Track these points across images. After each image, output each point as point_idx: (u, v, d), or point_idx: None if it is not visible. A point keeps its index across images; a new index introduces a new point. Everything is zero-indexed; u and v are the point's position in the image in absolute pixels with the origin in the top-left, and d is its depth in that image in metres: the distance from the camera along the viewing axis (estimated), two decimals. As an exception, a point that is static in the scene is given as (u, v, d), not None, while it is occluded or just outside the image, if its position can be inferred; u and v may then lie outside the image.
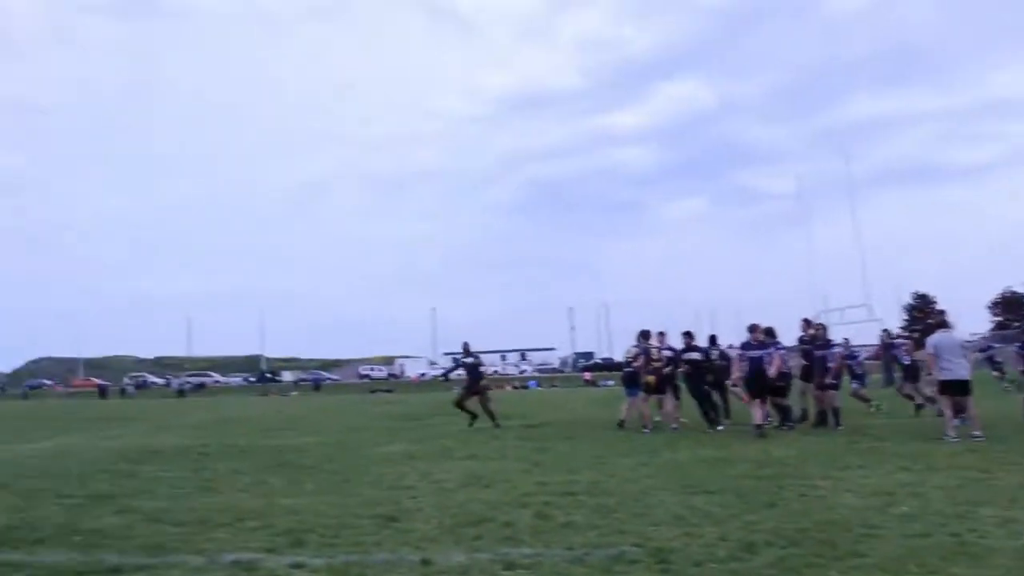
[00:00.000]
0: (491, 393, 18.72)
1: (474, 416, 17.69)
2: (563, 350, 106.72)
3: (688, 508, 7.41)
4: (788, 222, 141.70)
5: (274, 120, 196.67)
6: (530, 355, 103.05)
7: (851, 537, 6.08)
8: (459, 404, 17.91)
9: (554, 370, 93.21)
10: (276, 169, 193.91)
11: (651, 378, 15.53)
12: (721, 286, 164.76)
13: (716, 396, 16.53)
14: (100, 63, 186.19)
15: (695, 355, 15.93)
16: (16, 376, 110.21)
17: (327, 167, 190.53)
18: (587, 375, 69.77)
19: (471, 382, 17.95)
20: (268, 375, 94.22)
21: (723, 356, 17.24)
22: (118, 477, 10.59)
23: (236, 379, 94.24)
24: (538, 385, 67.48)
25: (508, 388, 67.58)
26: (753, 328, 14.84)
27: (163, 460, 12.59)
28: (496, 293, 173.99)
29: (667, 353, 15.80)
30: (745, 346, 14.74)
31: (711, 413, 15.74)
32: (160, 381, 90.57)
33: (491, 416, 17.58)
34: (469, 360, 18.18)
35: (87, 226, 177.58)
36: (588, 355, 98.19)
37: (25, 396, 72.34)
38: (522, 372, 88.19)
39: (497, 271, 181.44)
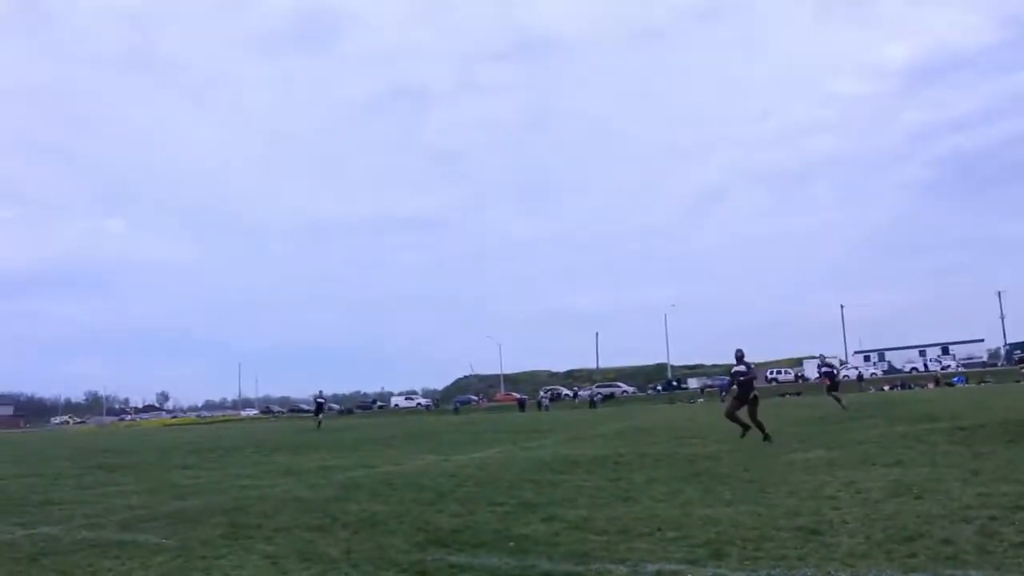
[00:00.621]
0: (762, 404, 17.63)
1: (746, 428, 16.79)
2: (992, 341, 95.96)
3: None
4: None
5: (666, 131, 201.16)
6: (953, 348, 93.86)
7: None
8: (729, 415, 17.17)
9: (983, 364, 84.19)
10: (672, 179, 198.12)
11: None
12: None
13: None
14: (501, 104, 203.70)
15: None
16: (447, 393, 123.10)
17: (723, 170, 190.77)
18: (1024, 368, 62.02)
19: (741, 392, 17.02)
20: (674, 383, 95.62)
21: None
22: (542, 486, 11.30)
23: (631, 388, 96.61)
24: (964, 381, 61.41)
25: (929, 386, 62.29)
26: None
27: (582, 469, 13.23)
28: (911, 282, 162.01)
29: None
30: None
31: None
32: (568, 393, 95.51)
33: (760, 428, 16.63)
34: (740, 368, 17.22)
35: (500, 253, 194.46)
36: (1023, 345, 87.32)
37: (456, 411, 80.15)
38: (945, 368, 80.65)
39: (911, 257, 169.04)
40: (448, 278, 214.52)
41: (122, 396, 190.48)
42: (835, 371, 30.87)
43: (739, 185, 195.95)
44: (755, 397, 17.02)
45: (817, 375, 27.50)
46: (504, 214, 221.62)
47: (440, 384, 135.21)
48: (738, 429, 17.12)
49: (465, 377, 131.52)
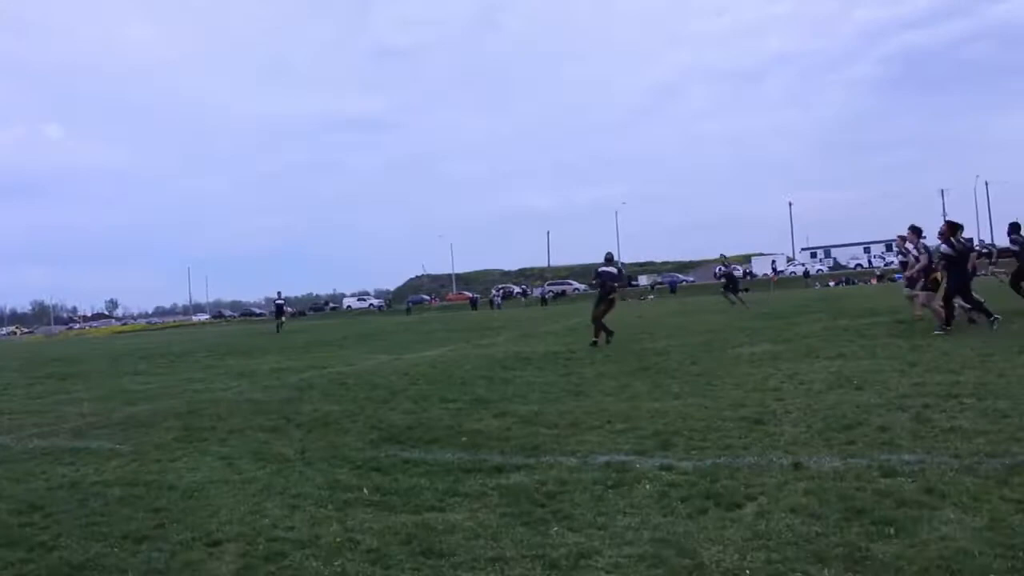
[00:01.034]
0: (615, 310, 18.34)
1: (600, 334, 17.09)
2: (934, 238, 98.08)
3: (1101, 412, 6.56)
4: None
5: (619, 27, 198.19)
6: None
7: None
8: (595, 319, 17.23)
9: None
10: (625, 76, 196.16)
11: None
12: None
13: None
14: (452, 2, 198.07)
15: None
16: (400, 293, 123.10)
17: (675, 68, 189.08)
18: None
19: (603, 293, 17.37)
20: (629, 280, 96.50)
21: None
22: (494, 383, 11.49)
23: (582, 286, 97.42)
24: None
25: (872, 282, 63.64)
26: None
27: (533, 366, 13.43)
28: (859, 180, 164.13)
29: None
30: None
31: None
32: (520, 291, 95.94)
33: (604, 330, 16.93)
34: (607, 269, 17.40)
35: (452, 153, 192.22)
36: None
37: (408, 311, 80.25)
38: (888, 264, 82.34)
39: (859, 156, 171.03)
40: (399, 179, 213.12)
41: (70, 305, 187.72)
42: (733, 272, 32.75)
43: (691, 83, 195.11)
44: (612, 300, 17.20)
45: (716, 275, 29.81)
46: (455, 114, 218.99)
47: (392, 285, 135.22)
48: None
49: (417, 277, 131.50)
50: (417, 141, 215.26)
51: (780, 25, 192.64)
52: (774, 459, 5.85)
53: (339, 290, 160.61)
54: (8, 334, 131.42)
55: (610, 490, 5.35)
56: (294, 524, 5.06)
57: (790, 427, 6.91)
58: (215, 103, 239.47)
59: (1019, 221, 15.90)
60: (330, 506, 5.42)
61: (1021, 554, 3.78)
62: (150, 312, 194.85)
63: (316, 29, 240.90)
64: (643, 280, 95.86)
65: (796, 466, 5.58)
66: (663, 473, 5.68)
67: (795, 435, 6.59)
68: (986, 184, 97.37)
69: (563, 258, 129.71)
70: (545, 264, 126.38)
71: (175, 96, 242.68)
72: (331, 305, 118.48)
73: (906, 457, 5.62)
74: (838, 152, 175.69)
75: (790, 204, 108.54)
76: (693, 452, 6.29)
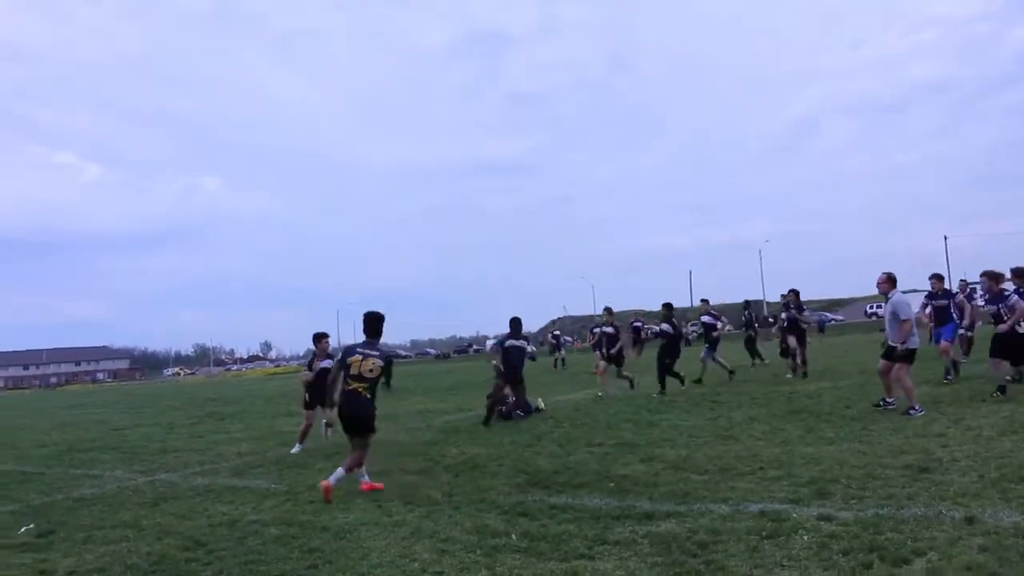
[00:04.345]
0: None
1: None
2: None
3: None
4: None
5: (751, 64, 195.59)
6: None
7: None
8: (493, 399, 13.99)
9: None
10: (759, 114, 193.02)
11: None
12: None
13: None
14: (582, 44, 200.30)
15: None
16: (542, 335, 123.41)
17: (814, 102, 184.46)
18: None
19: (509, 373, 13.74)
20: (771, 319, 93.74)
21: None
22: (640, 426, 11.29)
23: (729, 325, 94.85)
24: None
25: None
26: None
27: (679, 408, 13.15)
28: (1019, 213, 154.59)
29: None
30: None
31: None
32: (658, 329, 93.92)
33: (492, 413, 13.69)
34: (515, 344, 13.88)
35: (587, 196, 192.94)
36: None
37: (551, 352, 79.88)
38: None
39: (1020, 186, 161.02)
40: (536, 221, 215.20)
41: (227, 347, 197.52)
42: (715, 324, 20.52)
43: (833, 118, 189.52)
44: (521, 381, 13.92)
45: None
46: (589, 156, 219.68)
47: (535, 327, 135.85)
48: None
49: (559, 319, 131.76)
50: (552, 184, 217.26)
51: (925, 53, 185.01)
52: (943, 511, 5.48)
53: (482, 332, 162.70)
54: (172, 375, 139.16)
55: (765, 540, 5.13)
56: (443, 569, 5.09)
57: (959, 476, 6.48)
58: (356, 152, 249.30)
59: None
60: (479, 551, 5.42)
61: None
62: (301, 354, 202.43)
63: (452, 76, 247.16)
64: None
65: (969, 520, 5.21)
66: (822, 523, 5.41)
67: (965, 485, 6.16)
68: None
69: (707, 296, 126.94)
70: (688, 304, 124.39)
71: (320, 146, 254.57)
72: (474, 347, 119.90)
73: (1094, 511, 5.17)
74: (995, 183, 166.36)
75: (945, 238, 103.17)
76: (852, 501, 5.98)
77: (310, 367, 12.06)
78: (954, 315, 14.04)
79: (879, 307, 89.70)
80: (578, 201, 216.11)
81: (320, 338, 12.09)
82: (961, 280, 21.19)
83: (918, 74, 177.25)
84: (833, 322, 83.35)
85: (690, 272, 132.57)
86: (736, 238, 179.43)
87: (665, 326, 17.17)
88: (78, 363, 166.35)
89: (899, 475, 6.71)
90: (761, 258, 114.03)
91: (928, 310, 14.32)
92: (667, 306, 17.43)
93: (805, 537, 5.13)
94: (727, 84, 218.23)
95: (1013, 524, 5.05)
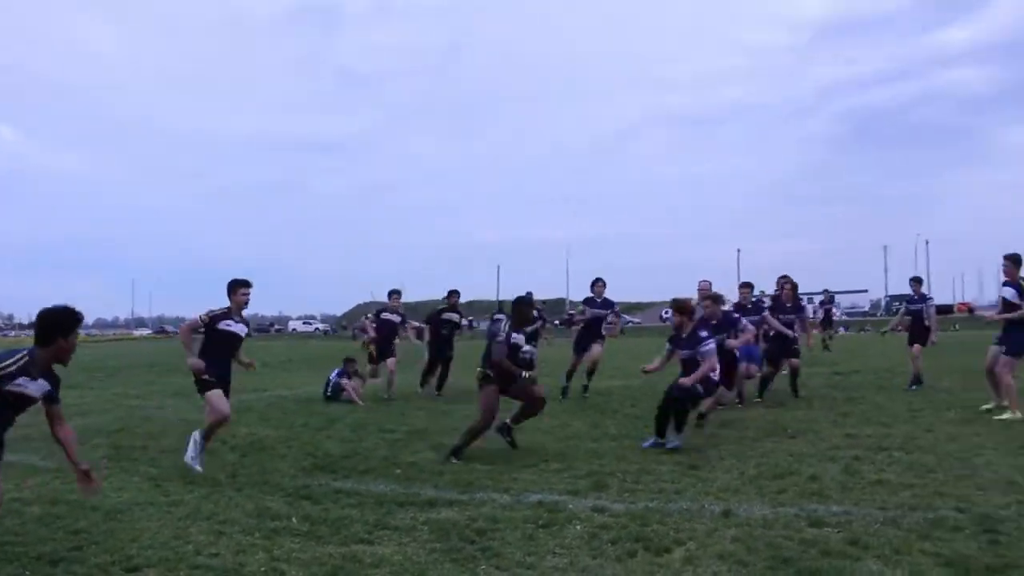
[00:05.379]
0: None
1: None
2: (876, 292, 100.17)
3: (1022, 472, 6.73)
4: None
5: (580, 69, 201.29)
6: (838, 298, 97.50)
7: None
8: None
9: (864, 314, 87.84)
10: (583, 118, 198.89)
11: None
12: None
13: None
14: (418, 30, 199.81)
15: None
16: (348, 318, 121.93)
17: (634, 112, 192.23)
18: (902, 320, 65.16)
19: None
20: (576, 317, 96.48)
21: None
22: (434, 414, 11.43)
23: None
24: (846, 330, 63.95)
25: (814, 332, 64.70)
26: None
27: (473, 397, 13.31)
28: (807, 231, 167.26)
29: None
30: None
31: None
32: (465, 322, 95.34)
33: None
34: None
35: (408, 182, 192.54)
36: (904, 298, 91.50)
37: (354, 337, 79.30)
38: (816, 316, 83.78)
39: (809, 208, 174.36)
40: (356, 203, 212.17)
41: (6, 311, 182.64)
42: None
43: (650, 128, 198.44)
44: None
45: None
46: (418, 142, 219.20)
47: (340, 310, 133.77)
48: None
49: (366, 304, 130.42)
50: (379, 167, 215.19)
51: (738, 76, 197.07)
52: (705, 505, 5.90)
53: (285, 312, 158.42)
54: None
55: (541, 529, 5.35)
56: (219, 551, 4.97)
57: (723, 473, 6.98)
58: (172, 117, 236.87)
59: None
60: (257, 534, 5.33)
61: (937, 609, 3.87)
62: (90, 324, 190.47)
63: (283, 49, 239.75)
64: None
65: (726, 513, 5.64)
66: (595, 514, 5.69)
67: (727, 481, 6.66)
68: (926, 243, 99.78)
69: (511, 293, 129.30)
70: (494, 298, 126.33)
71: (133, 106, 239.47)
72: (276, 327, 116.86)
73: (834, 508, 5.72)
74: (788, 203, 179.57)
75: (738, 251, 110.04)
76: (626, 494, 6.33)
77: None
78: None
79: (669, 313, 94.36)
80: (398, 187, 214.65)
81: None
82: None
83: (730, 95, 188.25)
84: (631, 324, 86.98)
85: (498, 267, 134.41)
86: (548, 237, 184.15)
87: (454, 315, 16.90)
88: None
89: (671, 471, 7.14)
90: (567, 258, 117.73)
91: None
92: (452, 293, 16.70)
93: (578, 527, 5.38)
94: (556, 84, 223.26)
95: (763, 516, 5.52)
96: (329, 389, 13.79)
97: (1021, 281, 10.23)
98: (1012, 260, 10.30)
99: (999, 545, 4.77)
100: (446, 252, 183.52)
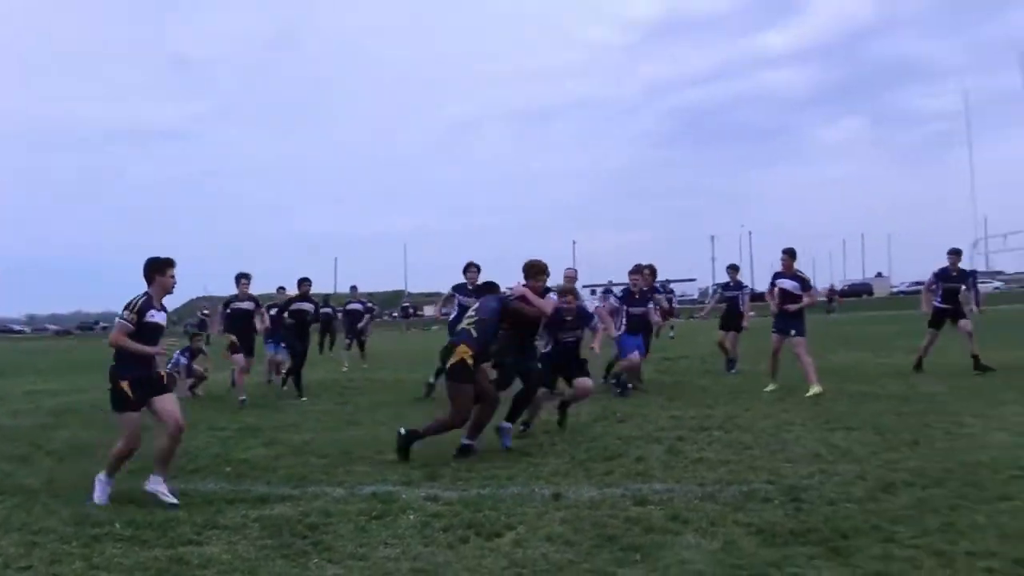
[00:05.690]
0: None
1: None
2: (704, 281, 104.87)
3: (826, 445, 7.26)
4: (951, 144, 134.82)
5: (423, 62, 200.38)
6: (669, 286, 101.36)
7: (1000, 478, 5.82)
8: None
9: (693, 301, 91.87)
10: (421, 111, 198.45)
11: None
12: (874, 212, 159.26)
13: None
14: (250, 15, 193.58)
15: None
16: (180, 313, 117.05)
17: (476, 105, 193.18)
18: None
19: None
20: (411, 310, 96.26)
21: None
22: (267, 411, 11.19)
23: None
24: (677, 317, 66.68)
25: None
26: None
27: (310, 394, 13.14)
28: (640, 224, 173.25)
29: None
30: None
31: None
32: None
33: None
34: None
35: (241, 170, 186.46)
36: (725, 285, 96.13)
37: (185, 332, 76.33)
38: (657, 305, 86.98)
39: (642, 201, 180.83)
40: (186, 194, 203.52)
41: None
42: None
43: (492, 121, 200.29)
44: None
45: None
46: (248, 132, 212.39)
47: (172, 305, 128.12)
48: None
49: (199, 298, 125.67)
50: (207, 156, 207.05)
51: (575, 72, 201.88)
52: (536, 489, 6.04)
53: (112, 309, 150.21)
54: None
55: (374, 521, 5.34)
56: (32, 563, 4.70)
57: (554, 458, 7.17)
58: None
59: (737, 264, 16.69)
60: (75, 542, 5.07)
61: (745, 573, 4.12)
62: None
63: (113, 30, 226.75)
64: (428, 310, 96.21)
65: (556, 496, 5.79)
66: (428, 503, 5.73)
67: (557, 466, 6.84)
68: (750, 233, 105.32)
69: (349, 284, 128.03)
70: (332, 290, 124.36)
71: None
72: (102, 324, 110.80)
73: (656, 487, 5.98)
74: (622, 197, 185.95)
75: (574, 243, 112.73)
76: (459, 482, 6.40)
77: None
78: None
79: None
80: (231, 177, 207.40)
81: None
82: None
83: (566, 90, 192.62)
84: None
85: (335, 259, 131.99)
86: (386, 230, 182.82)
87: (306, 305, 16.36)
88: None
89: (504, 458, 7.31)
90: (406, 251, 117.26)
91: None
92: (304, 281, 15.94)
93: (411, 516, 5.41)
94: (393, 77, 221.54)
95: (590, 499, 5.70)
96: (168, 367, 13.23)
97: (798, 272, 11.46)
98: (789, 254, 11.49)
99: (802, 512, 5.14)
100: (281, 245, 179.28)
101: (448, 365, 7.58)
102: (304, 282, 14.33)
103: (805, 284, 11.47)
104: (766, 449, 7.21)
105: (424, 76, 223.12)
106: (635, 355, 11.83)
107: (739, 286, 15.19)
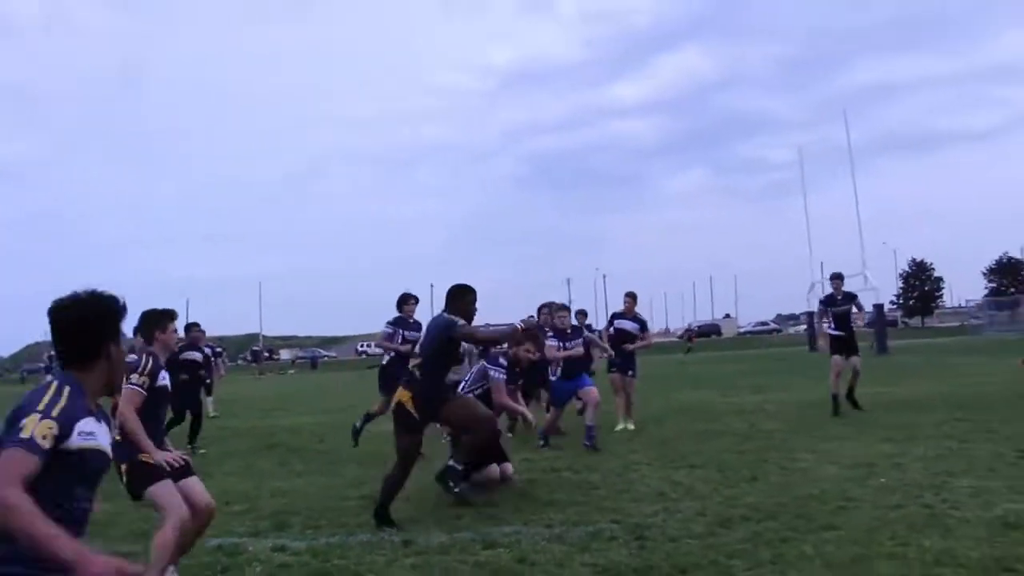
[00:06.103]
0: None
1: None
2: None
3: (670, 483, 7.50)
4: (789, 192, 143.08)
5: (272, 102, 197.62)
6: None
7: (828, 509, 6.15)
8: None
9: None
10: (276, 151, 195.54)
11: None
12: (720, 256, 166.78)
13: None
14: (94, 49, 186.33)
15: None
16: (15, 360, 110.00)
17: (326, 147, 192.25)
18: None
19: None
20: (265, 353, 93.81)
21: None
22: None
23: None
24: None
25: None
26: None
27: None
28: (496, 268, 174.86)
29: None
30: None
31: None
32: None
33: None
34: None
35: (85, 210, 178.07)
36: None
37: (23, 380, 72.06)
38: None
39: (498, 246, 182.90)
40: (24, 235, 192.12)
41: None
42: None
43: (343, 164, 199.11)
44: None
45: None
46: (90, 170, 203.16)
47: (7, 351, 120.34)
48: None
49: (37, 344, 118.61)
50: (48, 195, 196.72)
51: (434, 116, 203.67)
52: (385, 536, 6.00)
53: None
54: None
55: (220, 574, 5.18)
56: None
57: (403, 503, 7.12)
58: None
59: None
60: None
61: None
62: None
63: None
64: (285, 354, 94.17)
65: (406, 543, 5.77)
66: (275, 554, 5.62)
67: (408, 512, 6.80)
68: (604, 276, 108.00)
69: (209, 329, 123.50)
70: (181, 335, 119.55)
71: None
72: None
73: (506, 529, 6.04)
74: (479, 240, 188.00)
75: (431, 286, 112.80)
76: (308, 531, 6.30)
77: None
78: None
79: (368, 346, 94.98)
80: (73, 218, 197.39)
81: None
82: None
83: (423, 135, 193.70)
84: (326, 358, 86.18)
85: (187, 300, 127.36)
86: (239, 272, 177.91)
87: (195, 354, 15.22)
88: None
89: (354, 506, 7.20)
90: (261, 291, 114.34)
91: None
92: (192, 326, 14.83)
93: (258, 568, 5.29)
94: (243, 116, 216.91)
95: (440, 544, 5.71)
96: None
97: (638, 315, 12.30)
98: (632, 297, 12.41)
99: (645, 550, 5.30)
100: (130, 287, 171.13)
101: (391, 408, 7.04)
102: (193, 327, 12.69)
103: (643, 326, 12.30)
104: (613, 489, 7.40)
105: (277, 116, 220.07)
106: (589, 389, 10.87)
107: (588, 329, 15.40)
